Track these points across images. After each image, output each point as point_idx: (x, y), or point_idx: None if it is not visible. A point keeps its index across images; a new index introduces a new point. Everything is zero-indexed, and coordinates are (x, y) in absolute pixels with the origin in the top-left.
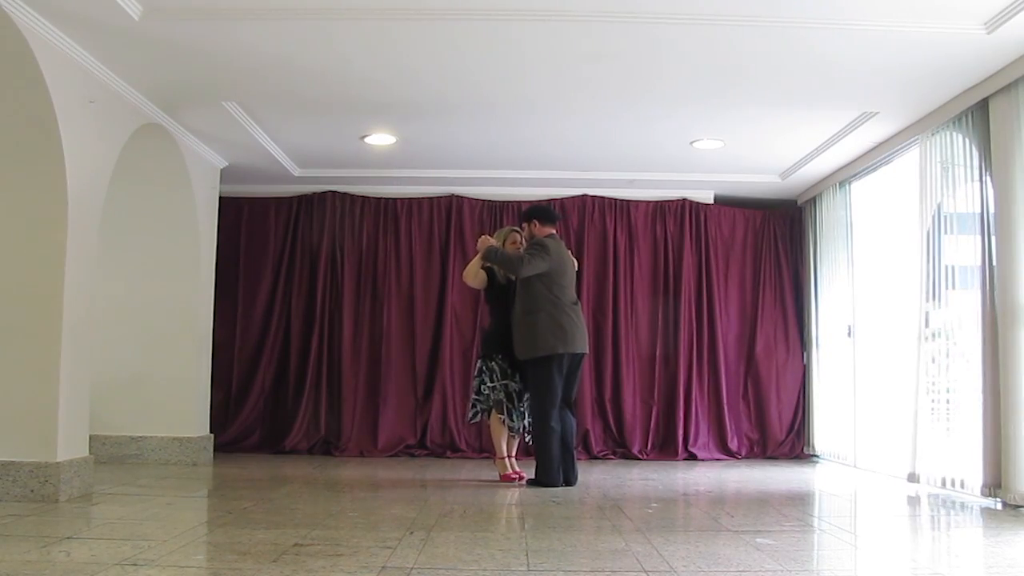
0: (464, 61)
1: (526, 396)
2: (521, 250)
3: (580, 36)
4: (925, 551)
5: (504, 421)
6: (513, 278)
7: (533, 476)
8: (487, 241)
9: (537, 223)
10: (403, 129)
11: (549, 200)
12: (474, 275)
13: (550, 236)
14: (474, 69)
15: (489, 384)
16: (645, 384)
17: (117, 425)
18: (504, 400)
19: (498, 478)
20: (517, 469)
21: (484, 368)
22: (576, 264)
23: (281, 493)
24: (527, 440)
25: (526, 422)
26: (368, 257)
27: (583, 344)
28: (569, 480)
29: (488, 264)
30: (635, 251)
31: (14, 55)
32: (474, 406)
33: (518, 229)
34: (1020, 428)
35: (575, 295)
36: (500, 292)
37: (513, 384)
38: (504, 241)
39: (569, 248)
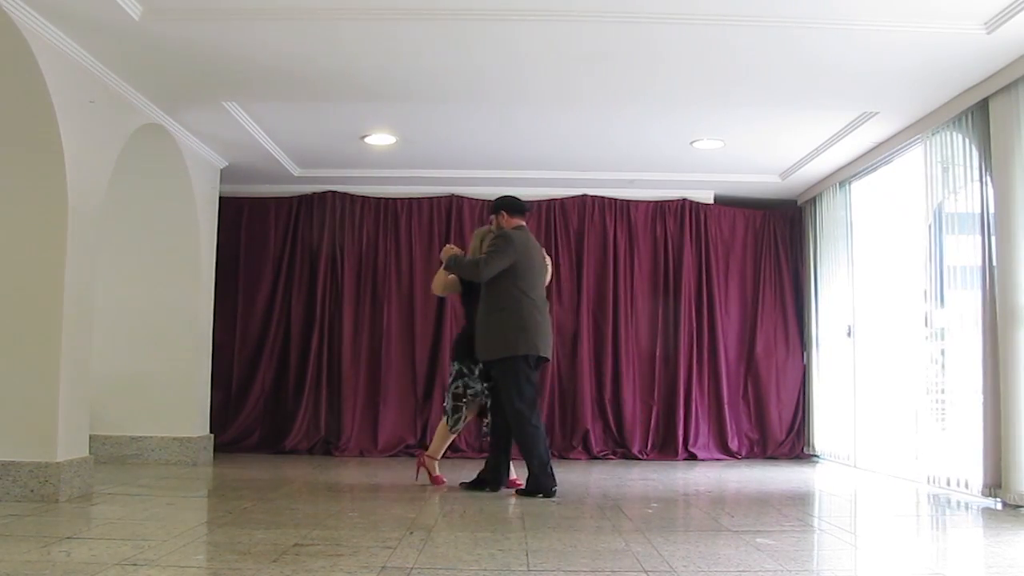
0: (465, 61)
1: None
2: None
3: (580, 36)
4: (925, 551)
5: (485, 423)
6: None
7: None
8: (451, 250)
9: (505, 214)
10: (403, 129)
11: (549, 200)
12: (443, 285)
13: (518, 228)
14: (475, 69)
15: (473, 388)
16: (645, 384)
17: (117, 425)
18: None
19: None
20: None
21: (465, 370)
22: (549, 262)
23: (281, 493)
24: (486, 437)
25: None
26: (368, 257)
27: (546, 348)
28: (493, 482)
29: (452, 274)
30: (635, 251)
31: (14, 55)
32: (457, 411)
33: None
34: (1020, 428)
35: (544, 294)
36: (476, 292)
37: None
38: (481, 242)
39: (550, 248)
